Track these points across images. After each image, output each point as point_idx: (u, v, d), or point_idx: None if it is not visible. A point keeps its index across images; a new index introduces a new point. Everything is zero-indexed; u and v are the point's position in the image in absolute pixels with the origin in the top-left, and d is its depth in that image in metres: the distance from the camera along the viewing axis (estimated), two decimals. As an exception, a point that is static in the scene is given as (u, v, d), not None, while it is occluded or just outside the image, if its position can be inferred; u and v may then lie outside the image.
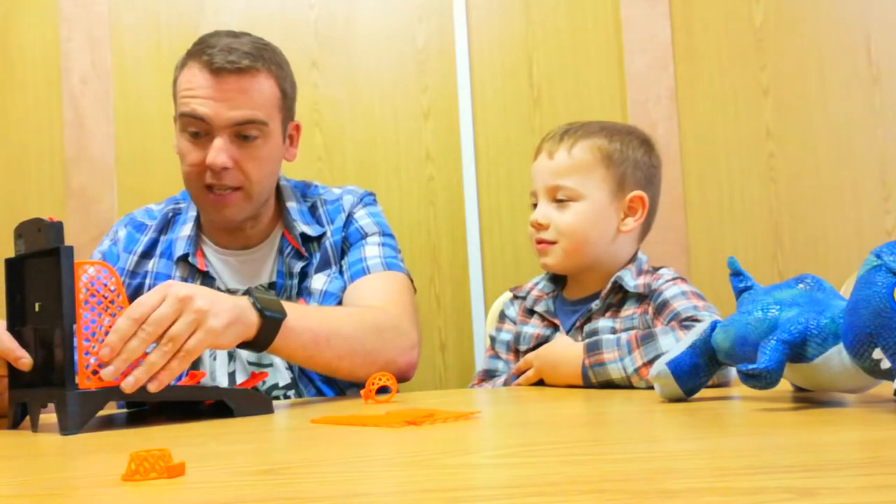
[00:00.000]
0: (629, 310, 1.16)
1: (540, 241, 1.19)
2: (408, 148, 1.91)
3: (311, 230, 1.31)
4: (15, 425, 0.86)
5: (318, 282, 1.29)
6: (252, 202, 1.25)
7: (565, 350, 1.09)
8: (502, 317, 1.29)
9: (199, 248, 1.30)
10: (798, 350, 0.70)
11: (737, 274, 0.85)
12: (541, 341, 1.18)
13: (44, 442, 0.76)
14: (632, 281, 1.16)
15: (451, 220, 1.90)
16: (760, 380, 0.68)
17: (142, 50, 1.92)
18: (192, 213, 1.32)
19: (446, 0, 1.92)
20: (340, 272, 1.30)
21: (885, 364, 0.62)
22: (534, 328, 1.22)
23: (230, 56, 1.19)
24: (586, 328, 1.16)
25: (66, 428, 0.78)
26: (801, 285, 0.77)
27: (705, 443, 0.57)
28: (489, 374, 1.24)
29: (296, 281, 1.28)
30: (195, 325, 0.87)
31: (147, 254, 1.31)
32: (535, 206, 1.22)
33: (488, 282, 1.87)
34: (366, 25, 1.93)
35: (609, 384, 1.01)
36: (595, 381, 1.02)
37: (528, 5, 1.93)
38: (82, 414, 0.79)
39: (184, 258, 1.28)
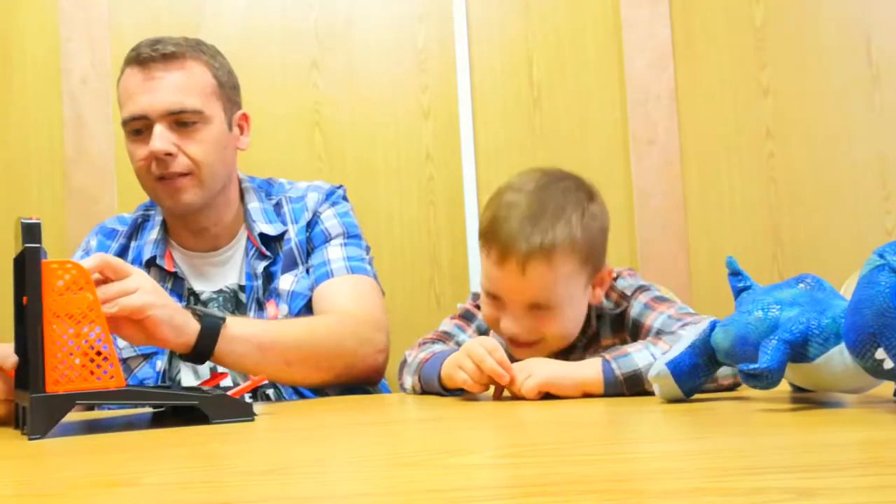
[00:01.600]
0: (608, 340, 1.10)
1: (520, 344, 1.04)
2: (408, 148, 1.91)
3: (271, 229, 1.30)
4: (17, 425, 0.86)
5: (285, 282, 1.28)
6: (204, 188, 1.24)
7: (564, 362, 1.02)
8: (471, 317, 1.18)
9: (167, 250, 1.30)
10: (799, 350, 0.70)
11: (735, 273, 0.85)
12: None
13: (43, 442, 0.76)
14: (605, 302, 1.10)
15: (451, 220, 1.90)
16: (762, 380, 0.68)
17: (142, 50, 1.92)
18: (160, 218, 1.32)
19: (446, 0, 1.92)
20: (308, 272, 1.29)
21: (888, 364, 0.62)
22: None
23: (156, 46, 1.21)
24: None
25: (31, 432, 0.76)
26: (801, 285, 0.77)
27: (705, 443, 0.57)
28: (448, 336, 1.15)
29: (261, 282, 1.27)
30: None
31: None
32: (491, 297, 1.05)
33: (488, 282, 1.87)
34: (366, 25, 1.93)
35: (635, 377, 0.93)
36: (620, 373, 0.93)
37: (528, 5, 1.93)
38: (47, 418, 0.77)
39: (152, 261, 1.28)
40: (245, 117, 1.34)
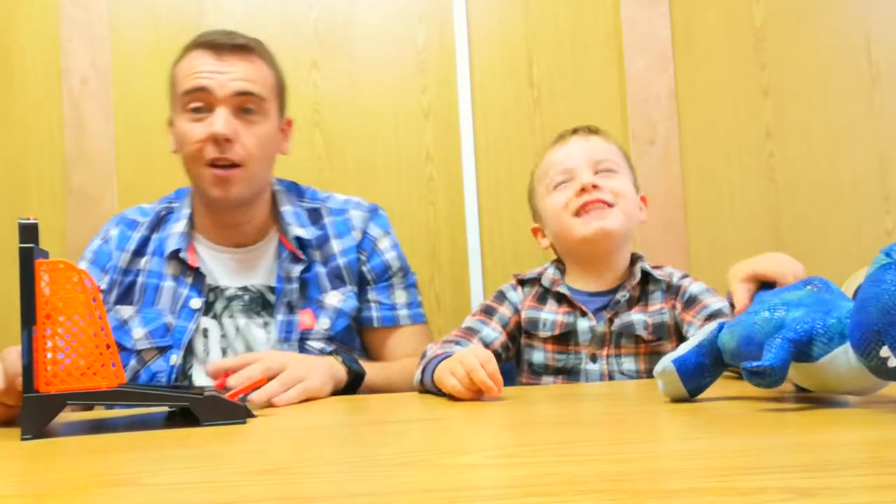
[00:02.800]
0: (656, 304, 1.20)
1: (597, 202, 1.18)
2: (408, 148, 1.91)
3: (307, 232, 1.32)
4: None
5: (332, 299, 1.31)
6: (251, 183, 1.26)
7: None
8: (501, 297, 1.25)
9: (190, 244, 1.30)
10: (804, 349, 0.70)
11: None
12: (566, 329, 1.18)
13: (44, 442, 0.76)
14: (656, 272, 1.22)
15: (451, 220, 1.90)
16: (765, 377, 0.68)
17: (142, 50, 1.92)
18: (186, 211, 1.33)
19: (446, 0, 1.92)
20: (355, 294, 1.33)
21: (893, 362, 0.61)
22: (553, 315, 1.20)
23: (228, 36, 1.25)
24: (619, 321, 1.17)
25: (24, 432, 0.77)
26: (808, 287, 0.77)
27: (706, 443, 0.57)
28: (471, 332, 1.21)
29: (296, 286, 1.29)
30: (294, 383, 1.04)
31: (139, 252, 1.31)
32: (562, 183, 1.21)
33: (488, 282, 1.87)
34: (366, 25, 1.93)
35: None
36: None
37: (528, 5, 1.93)
38: (39, 419, 0.77)
39: (175, 255, 1.28)
40: (289, 123, 1.37)
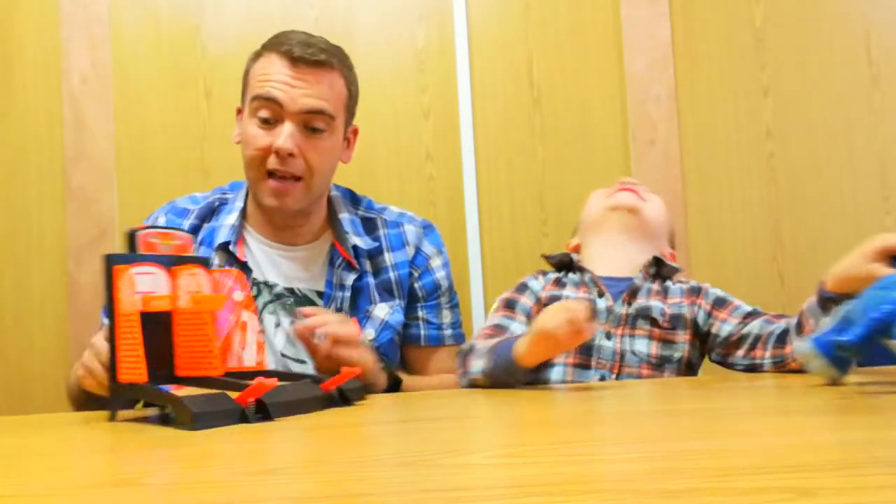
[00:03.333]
0: (676, 298, 1.22)
1: (633, 191, 1.32)
2: (408, 148, 1.91)
3: (363, 242, 1.33)
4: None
5: (381, 311, 1.32)
6: (310, 195, 1.27)
7: None
8: (523, 288, 1.27)
9: (240, 238, 1.30)
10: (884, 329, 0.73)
11: None
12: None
13: (44, 442, 0.76)
14: (669, 262, 1.26)
15: (451, 220, 1.90)
16: (845, 350, 0.73)
17: (142, 50, 1.92)
18: (239, 204, 1.32)
19: (446, 0, 1.92)
20: (403, 308, 1.34)
21: None
22: (574, 294, 1.23)
23: (308, 49, 1.24)
24: (636, 303, 1.20)
25: (108, 418, 0.86)
26: None
27: (705, 443, 0.57)
28: (501, 329, 1.20)
29: (347, 294, 1.30)
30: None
31: None
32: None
33: (488, 282, 1.87)
34: (366, 25, 1.93)
35: None
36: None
37: (528, 5, 1.93)
38: (116, 405, 0.86)
39: (224, 247, 1.28)
40: (355, 131, 1.39)
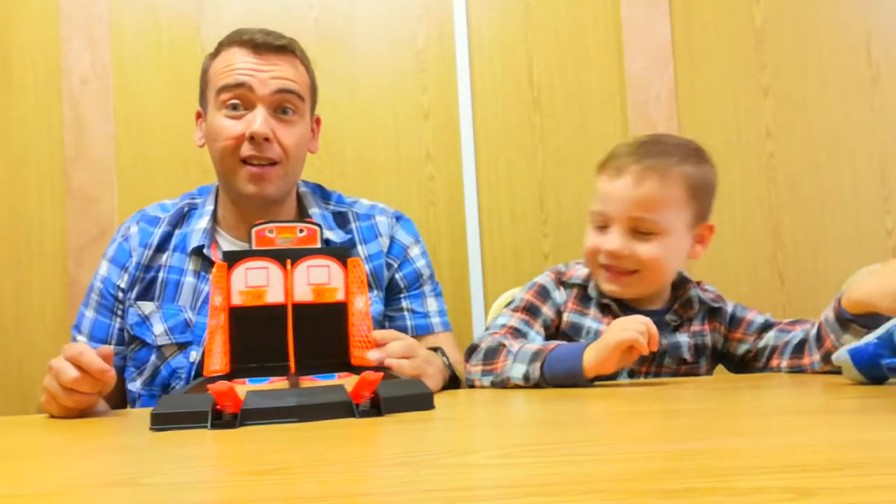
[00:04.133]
0: (697, 326, 1.19)
1: (614, 270, 1.13)
2: (408, 148, 1.91)
3: (335, 236, 1.32)
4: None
5: (359, 303, 1.29)
6: (286, 181, 1.26)
7: None
8: (545, 294, 1.19)
9: (213, 241, 1.30)
10: None
11: None
12: None
13: (44, 442, 0.76)
14: (706, 295, 1.21)
15: (451, 220, 1.90)
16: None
17: (142, 50, 1.92)
18: (209, 208, 1.32)
19: (446, 0, 1.92)
20: (382, 299, 1.33)
21: None
22: (598, 324, 1.15)
23: (268, 36, 1.24)
24: (665, 341, 1.14)
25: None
26: None
27: (705, 443, 0.57)
28: (521, 334, 1.15)
29: None
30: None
31: (161, 248, 1.30)
32: (599, 227, 1.14)
33: (488, 282, 1.87)
34: (366, 25, 1.93)
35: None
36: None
37: (528, 5, 1.93)
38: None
39: (198, 251, 1.27)
40: (318, 120, 1.37)
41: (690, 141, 1.20)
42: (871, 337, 0.84)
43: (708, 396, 0.87)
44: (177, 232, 1.31)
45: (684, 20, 1.93)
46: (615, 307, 1.16)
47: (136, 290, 1.28)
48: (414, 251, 1.38)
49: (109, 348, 0.92)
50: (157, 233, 1.31)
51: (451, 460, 0.55)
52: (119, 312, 1.29)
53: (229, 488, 0.48)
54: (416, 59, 1.92)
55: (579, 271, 1.21)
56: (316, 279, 0.92)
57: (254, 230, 0.95)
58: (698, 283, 1.24)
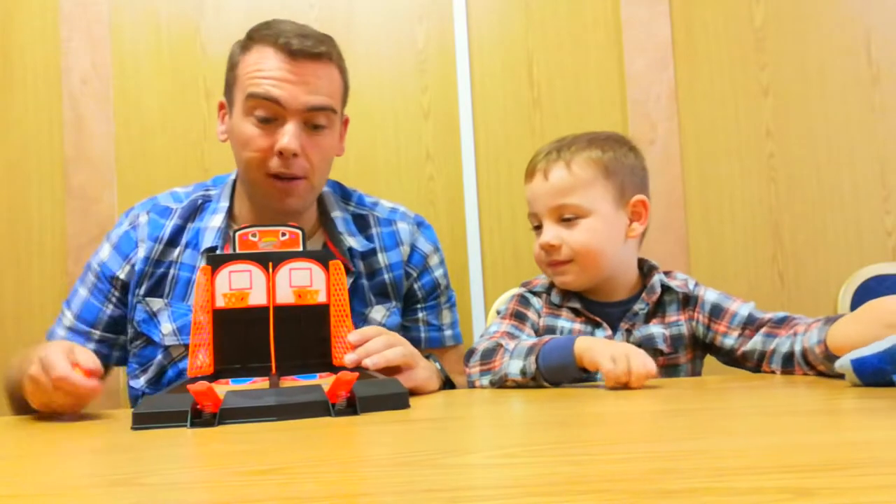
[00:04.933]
0: (672, 316, 1.19)
1: (554, 263, 1.17)
2: (408, 148, 1.91)
3: (357, 243, 1.27)
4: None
5: (377, 314, 1.27)
6: (312, 193, 1.22)
7: None
8: (525, 302, 1.22)
9: (227, 241, 1.23)
10: None
11: None
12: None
13: (44, 442, 0.76)
14: (672, 282, 1.20)
15: (451, 220, 1.90)
16: None
17: (142, 50, 1.92)
18: (224, 204, 1.25)
19: (446, 0, 1.92)
20: (399, 311, 1.31)
21: None
22: (570, 324, 1.18)
23: (306, 41, 1.15)
24: (638, 333, 1.15)
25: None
26: None
27: (705, 443, 0.57)
28: (513, 337, 1.16)
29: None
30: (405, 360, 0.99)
31: (172, 241, 1.24)
32: (537, 228, 1.20)
33: (488, 282, 1.87)
34: (366, 25, 1.93)
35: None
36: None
37: (528, 5, 1.93)
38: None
39: (211, 251, 1.21)
40: (346, 121, 1.29)
41: (604, 131, 1.24)
42: (874, 348, 0.83)
43: (708, 396, 0.87)
44: (189, 226, 1.25)
45: (684, 20, 1.93)
46: (580, 306, 1.19)
47: (144, 285, 1.22)
48: (433, 260, 1.35)
49: (99, 368, 0.89)
50: (169, 226, 1.24)
51: (451, 460, 0.55)
52: (113, 300, 1.24)
53: (229, 488, 0.48)
54: (416, 59, 1.92)
55: (542, 280, 1.25)
56: (298, 282, 0.93)
57: (237, 234, 0.95)
58: (667, 273, 1.23)
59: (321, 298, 0.93)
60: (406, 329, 1.32)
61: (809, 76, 1.91)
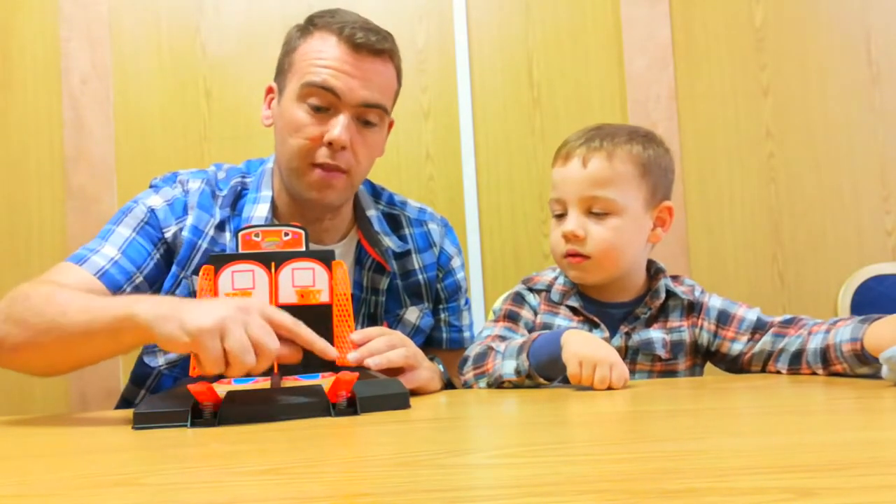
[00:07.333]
0: (675, 321, 1.16)
1: (572, 255, 1.13)
2: (408, 148, 1.91)
3: (394, 244, 1.26)
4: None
5: (412, 314, 1.27)
6: (350, 190, 1.20)
7: None
8: (520, 300, 1.19)
9: None
10: None
11: None
12: None
13: (44, 442, 0.76)
14: (678, 288, 1.17)
15: (451, 219, 1.89)
16: None
17: (142, 50, 1.92)
18: (266, 193, 1.21)
19: (446, 0, 1.92)
20: (431, 312, 1.31)
21: None
22: (567, 322, 1.15)
23: (370, 35, 1.14)
24: (637, 336, 1.14)
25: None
26: None
27: (705, 443, 0.57)
28: (505, 340, 1.14)
29: (382, 298, 1.24)
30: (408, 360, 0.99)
31: (221, 226, 1.19)
32: (559, 216, 1.15)
33: (488, 282, 1.87)
34: (366, 25, 1.93)
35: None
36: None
37: (528, 5, 1.93)
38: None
39: None
40: (391, 124, 1.27)
41: (641, 127, 1.20)
42: None
43: (708, 396, 0.87)
44: (232, 215, 1.20)
45: (684, 20, 1.93)
46: (579, 306, 1.16)
47: (195, 262, 1.15)
48: (456, 262, 1.35)
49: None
50: (217, 211, 1.19)
51: (451, 460, 0.55)
52: (160, 252, 1.15)
53: (229, 488, 0.48)
54: (416, 59, 1.92)
55: (545, 277, 1.22)
56: (300, 282, 0.93)
57: (240, 234, 0.94)
58: (675, 278, 1.20)
59: (324, 298, 0.93)
60: (432, 329, 1.32)
61: (809, 76, 1.91)
